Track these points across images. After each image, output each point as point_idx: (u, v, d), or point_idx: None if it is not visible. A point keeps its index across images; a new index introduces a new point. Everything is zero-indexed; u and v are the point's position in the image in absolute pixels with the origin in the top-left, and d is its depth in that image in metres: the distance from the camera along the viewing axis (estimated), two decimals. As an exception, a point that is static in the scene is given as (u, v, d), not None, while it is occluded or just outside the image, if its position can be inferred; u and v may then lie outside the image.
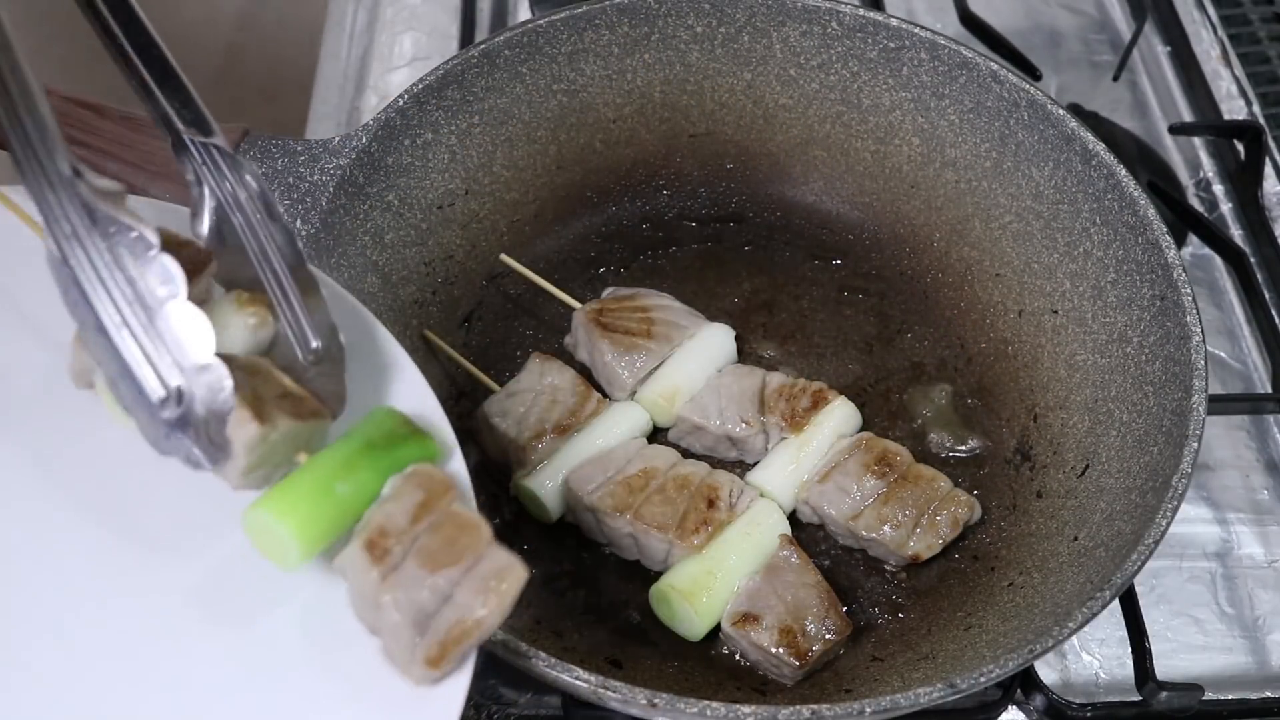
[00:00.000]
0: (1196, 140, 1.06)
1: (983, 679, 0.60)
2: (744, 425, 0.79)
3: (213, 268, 0.54)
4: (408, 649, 0.50)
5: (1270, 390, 0.90)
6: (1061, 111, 0.79)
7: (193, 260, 0.54)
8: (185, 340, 0.48)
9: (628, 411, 0.80)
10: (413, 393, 0.60)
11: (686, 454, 0.80)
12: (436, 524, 0.51)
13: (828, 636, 0.71)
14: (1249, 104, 1.07)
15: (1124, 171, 0.76)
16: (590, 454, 0.77)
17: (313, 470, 0.52)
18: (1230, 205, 1.02)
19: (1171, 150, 1.06)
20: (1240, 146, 1.03)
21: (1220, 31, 1.13)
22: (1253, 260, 0.96)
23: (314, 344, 0.54)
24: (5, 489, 0.55)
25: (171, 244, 0.52)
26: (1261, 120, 1.05)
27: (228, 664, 0.52)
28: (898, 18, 0.84)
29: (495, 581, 0.50)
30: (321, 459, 0.53)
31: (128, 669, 0.52)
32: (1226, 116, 1.06)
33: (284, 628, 0.53)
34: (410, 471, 0.53)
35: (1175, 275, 0.72)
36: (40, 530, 0.54)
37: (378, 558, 0.50)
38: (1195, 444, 0.66)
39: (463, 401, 0.81)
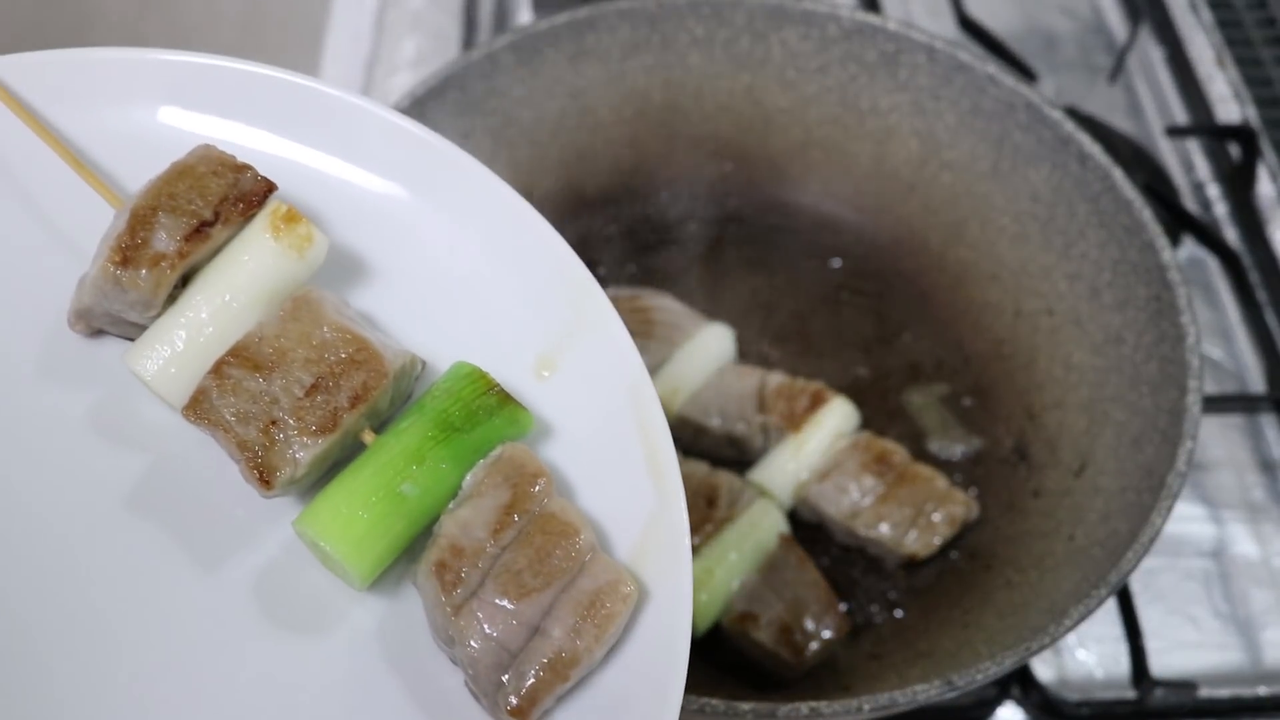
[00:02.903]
0: (1191, 143, 1.07)
1: (980, 676, 0.60)
2: (743, 425, 0.79)
3: (276, 204, 0.45)
4: (490, 693, 0.41)
5: (1264, 390, 0.90)
6: (1058, 114, 0.80)
7: (247, 191, 0.44)
8: None
9: (628, 411, 0.80)
10: (538, 245, 0.46)
11: (686, 454, 0.80)
12: (524, 533, 0.42)
13: (826, 635, 0.72)
14: (1243, 107, 1.08)
15: (1120, 173, 0.77)
16: (591, 453, 0.77)
17: (371, 467, 0.42)
18: (1224, 207, 1.03)
19: (1167, 152, 1.07)
20: (1235, 149, 1.04)
21: (1215, 35, 1.13)
22: (1246, 262, 0.97)
23: None
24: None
25: (226, 168, 0.44)
26: (1255, 123, 1.06)
27: (287, 684, 0.42)
28: (895, 21, 0.85)
29: (594, 608, 0.41)
30: (384, 449, 0.42)
31: (176, 683, 0.42)
32: (1221, 119, 1.06)
33: (358, 642, 0.43)
34: (495, 457, 0.43)
35: (1170, 276, 0.73)
36: (70, 515, 0.44)
37: (449, 585, 0.40)
38: (1190, 443, 0.67)
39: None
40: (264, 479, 0.41)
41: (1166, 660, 0.78)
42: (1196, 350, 0.70)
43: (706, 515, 0.74)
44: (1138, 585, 0.80)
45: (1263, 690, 0.77)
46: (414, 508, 0.42)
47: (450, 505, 0.43)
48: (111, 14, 1.24)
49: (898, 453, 0.78)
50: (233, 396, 0.42)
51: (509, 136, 0.86)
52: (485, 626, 0.40)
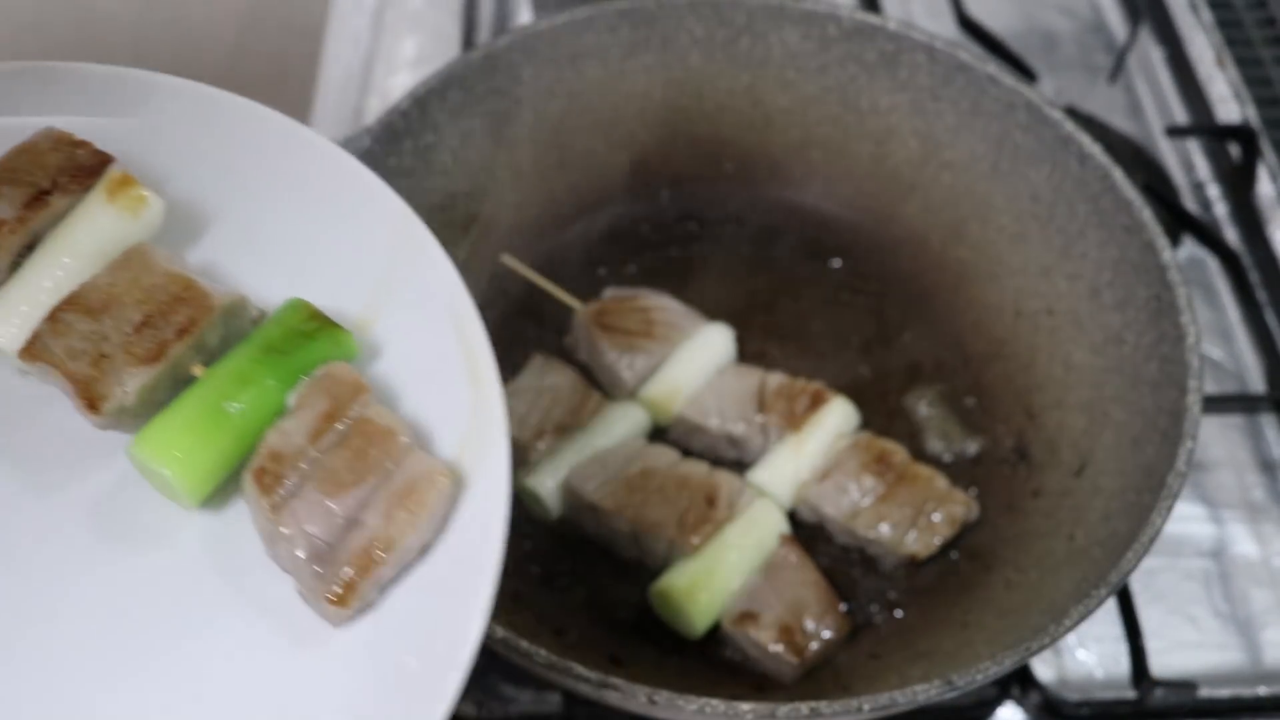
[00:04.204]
0: (1191, 143, 1.07)
1: (980, 676, 0.60)
2: (743, 425, 0.79)
3: (111, 172, 0.49)
4: (314, 588, 0.43)
5: (1264, 390, 0.90)
6: (1058, 114, 0.80)
7: (85, 163, 0.48)
8: None
9: (628, 411, 0.81)
10: (361, 190, 0.51)
11: (686, 453, 0.80)
12: (343, 437, 0.44)
13: (826, 635, 0.72)
14: (1243, 107, 1.08)
15: (1120, 173, 0.77)
16: (591, 453, 0.78)
17: (199, 392, 0.45)
18: (1224, 207, 1.03)
19: (1167, 152, 1.07)
20: (1235, 149, 1.04)
21: (1215, 35, 1.13)
22: (1246, 262, 0.97)
23: None
24: None
25: (63, 144, 0.49)
26: (1255, 123, 1.06)
27: (122, 593, 0.45)
28: (895, 21, 0.85)
29: (409, 496, 0.43)
30: (212, 375, 0.45)
31: (11, 599, 0.45)
32: (1221, 119, 1.06)
33: (191, 557, 0.46)
34: (319, 375, 0.45)
35: (1170, 276, 0.73)
36: None
37: (268, 487, 0.43)
38: (1190, 443, 0.67)
39: (464, 401, 0.82)
40: (92, 405, 0.44)
41: (1166, 660, 0.78)
42: (1196, 350, 0.70)
43: (706, 515, 0.74)
44: (1138, 585, 0.80)
45: (1263, 690, 0.77)
46: (239, 424, 0.44)
47: (274, 423, 0.45)
48: (112, 14, 1.24)
49: (898, 453, 0.78)
50: (65, 338, 0.45)
51: (509, 137, 0.86)
52: (303, 523, 0.42)
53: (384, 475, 0.43)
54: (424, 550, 0.44)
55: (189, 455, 0.44)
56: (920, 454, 0.81)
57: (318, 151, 0.52)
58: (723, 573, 0.73)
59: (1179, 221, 0.98)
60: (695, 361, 0.82)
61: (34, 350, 0.45)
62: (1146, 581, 0.81)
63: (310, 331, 0.46)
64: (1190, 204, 1.03)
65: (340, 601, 0.42)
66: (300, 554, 0.42)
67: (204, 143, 0.53)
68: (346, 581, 0.42)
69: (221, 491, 0.46)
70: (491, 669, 0.75)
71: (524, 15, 1.12)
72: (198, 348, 0.46)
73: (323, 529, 0.42)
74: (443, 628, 0.42)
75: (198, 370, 0.46)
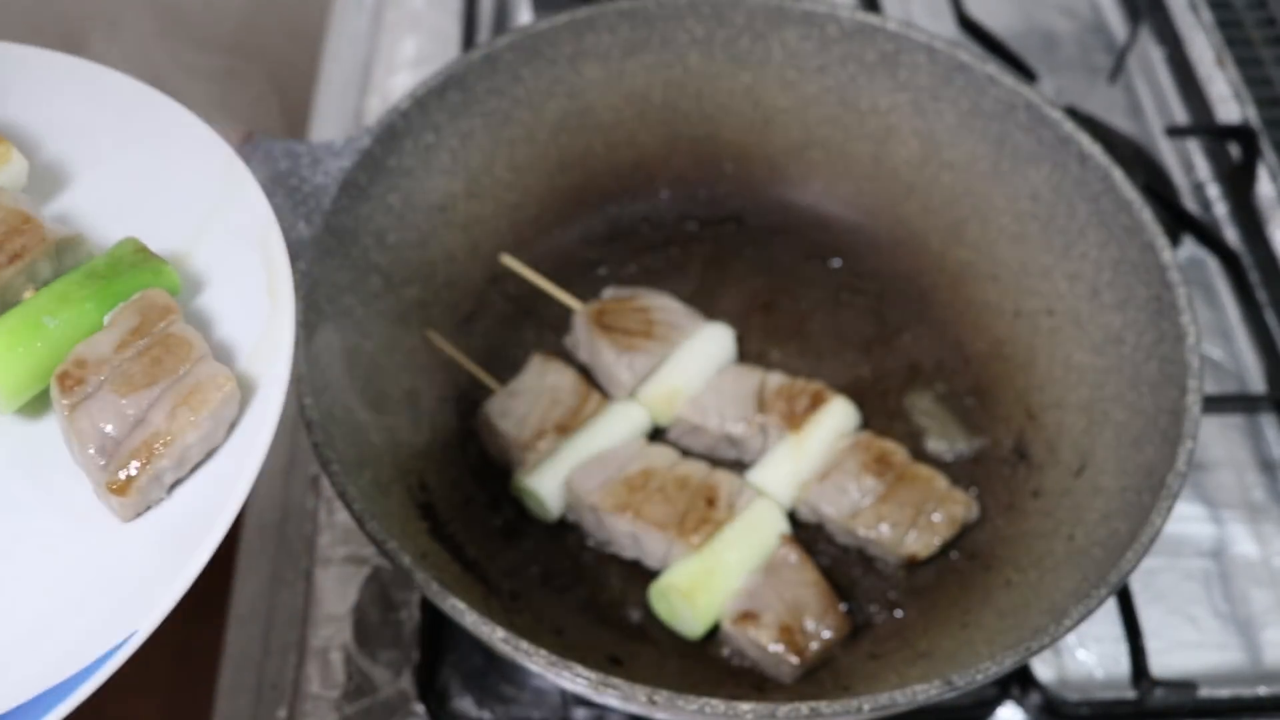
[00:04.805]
0: (1191, 143, 1.07)
1: (980, 676, 0.60)
2: (743, 425, 0.79)
3: None
4: (100, 480, 0.46)
5: (1264, 390, 0.90)
6: (1058, 114, 0.80)
7: None
8: None
9: (628, 411, 0.81)
10: (189, 139, 0.55)
11: (686, 454, 0.80)
12: (145, 348, 0.47)
13: (826, 634, 0.72)
14: (1243, 107, 1.08)
15: (1120, 173, 0.77)
16: (591, 453, 0.78)
17: (22, 308, 0.49)
18: (1224, 207, 1.03)
19: (1167, 152, 1.07)
20: (1235, 149, 1.04)
21: (1215, 35, 1.13)
22: (1246, 262, 0.97)
23: None
24: None
25: None
26: (1255, 123, 1.06)
27: None
28: (895, 21, 0.85)
29: (192, 396, 0.46)
30: (39, 296, 0.49)
31: None
32: (1221, 119, 1.06)
33: (1, 459, 0.49)
34: (134, 298, 0.49)
35: (1170, 276, 0.73)
36: None
37: (69, 388, 0.46)
38: (1190, 443, 0.67)
39: (464, 401, 0.82)
40: None
41: (1166, 660, 0.78)
42: (1196, 350, 0.70)
43: (706, 515, 0.74)
44: (1138, 585, 0.80)
45: (1263, 690, 0.77)
46: (55, 336, 0.48)
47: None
48: (110, 13, 1.24)
49: (898, 453, 0.78)
50: None
51: (509, 136, 0.86)
52: (96, 420, 0.46)
53: (175, 379, 0.47)
54: (211, 451, 0.48)
55: (2, 358, 0.47)
56: (920, 454, 0.81)
57: (161, 109, 0.56)
58: (723, 573, 0.73)
59: (1179, 221, 0.98)
60: (695, 361, 0.82)
61: None
62: (1146, 581, 0.81)
63: (133, 262, 0.50)
64: (1190, 204, 1.03)
65: (120, 490, 0.45)
66: (91, 449, 0.46)
67: (61, 108, 0.57)
68: (127, 472, 0.45)
69: (39, 404, 0.50)
70: (491, 669, 0.75)
71: (524, 15, 1.12)
72: (30, 275, 0.50)
73: (114, 426, 0.46)
74: (209, 511, 0.45)
75: (28, 295, 0.50)
